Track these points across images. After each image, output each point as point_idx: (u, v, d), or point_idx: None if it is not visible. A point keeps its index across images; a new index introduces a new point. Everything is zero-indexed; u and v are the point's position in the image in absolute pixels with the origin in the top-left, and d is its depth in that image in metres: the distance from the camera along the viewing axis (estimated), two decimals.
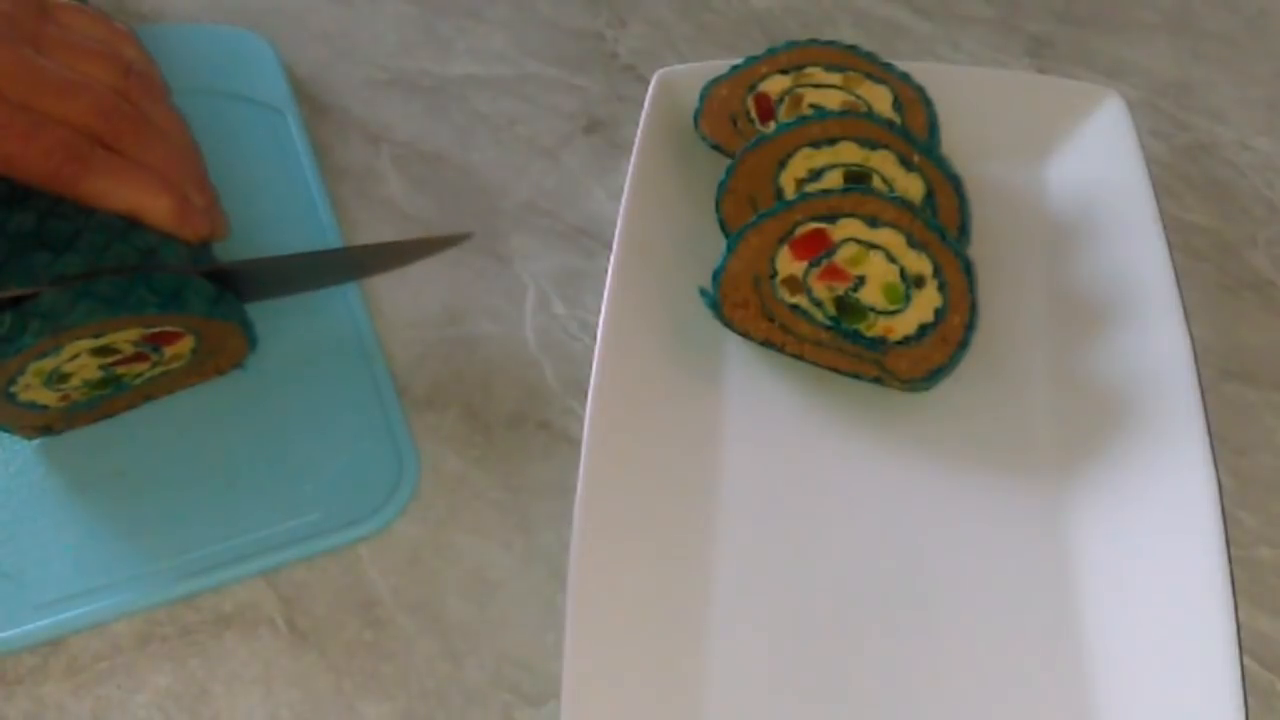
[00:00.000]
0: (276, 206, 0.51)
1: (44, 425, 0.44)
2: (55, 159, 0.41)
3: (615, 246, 0.46)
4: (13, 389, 0.41)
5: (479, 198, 0.53)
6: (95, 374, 0.42)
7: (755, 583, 0.42)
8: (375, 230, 0.52)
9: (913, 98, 0.50)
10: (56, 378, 0.42)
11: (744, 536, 0.43)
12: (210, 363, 0.45)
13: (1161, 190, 0.50)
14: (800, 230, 0.45)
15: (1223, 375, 0.48)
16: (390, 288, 0.50)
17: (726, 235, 0.47)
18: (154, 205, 0.42)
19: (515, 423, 0.47)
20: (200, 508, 0.43)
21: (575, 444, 0.44)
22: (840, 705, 0.39)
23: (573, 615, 0.38)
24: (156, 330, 0.42)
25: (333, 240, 0.50)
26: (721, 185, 0.48)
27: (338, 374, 0.47)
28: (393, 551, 0.43)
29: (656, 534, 0.42)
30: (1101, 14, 0.61)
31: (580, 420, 0.44)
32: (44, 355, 0.40)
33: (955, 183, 0.47)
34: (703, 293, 0.46)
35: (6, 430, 0.44)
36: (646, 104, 0.51)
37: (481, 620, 0.42)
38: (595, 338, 0.44)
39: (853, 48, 0.50)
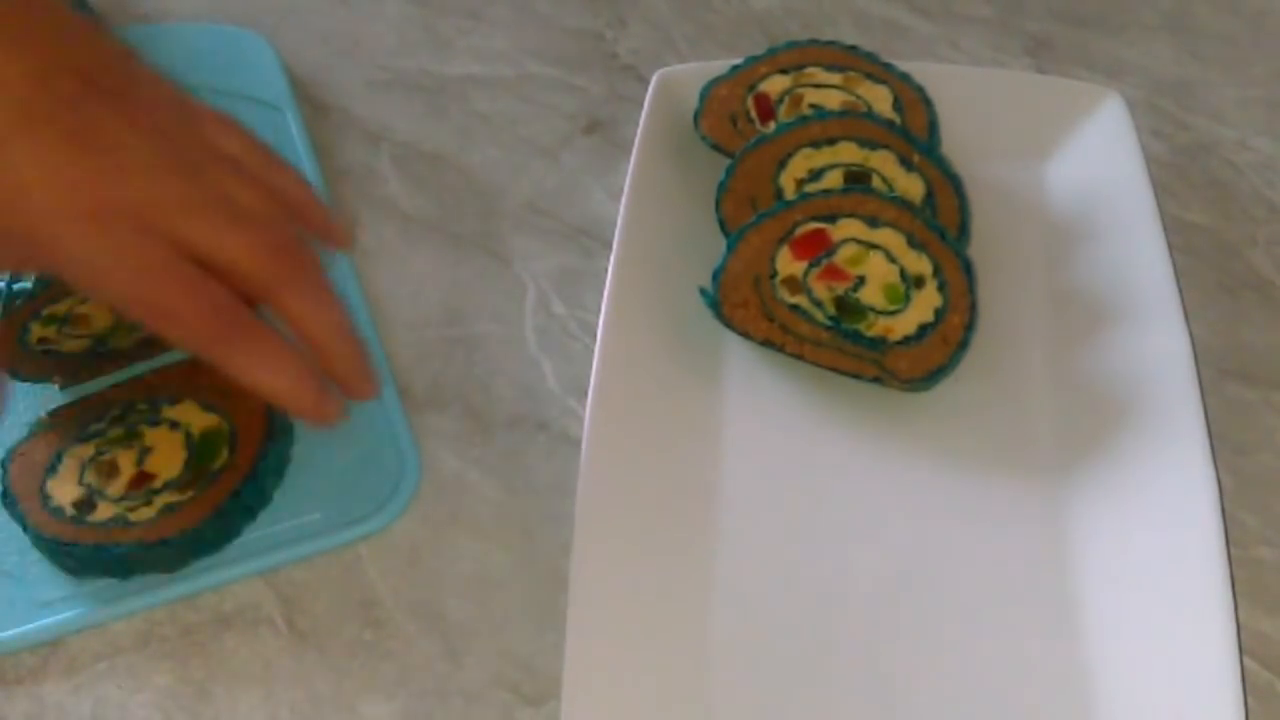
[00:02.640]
0: None
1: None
2: (216, 322, 0.34)
3: (615, 246, 0.46)
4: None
5: (479, 198, 0.53)
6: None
7: (755, 582, 0.42)
8: (375, 230, 0.52)
9: (913, 98, 0.50)
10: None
11: (744, 536, 0.43)
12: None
13: (1161, 190, 0.50)
14: (800, 230, 0.45)
15: (1223, 375, 0.48)
16: (390, 287, 0.50)
17: (726, 235, 0.47)
18: (292, 392, 0.36)
19: (515, 423, 0.47)
20: None
21: (575, 444, 0.44)
22: (840, 703, 0.39)
23: (573, 615, 0.38)
24: None
25: None
26: (721, 185, 0.48)
27: None
28: (393, 552, 0.43)
29: (656, 534, 0.42)
30: (1101, 14, 0.61)
31: (580, 420, 0.44)
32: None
33: (955, 183, 0.47)
34: (703, 293, 0.46)
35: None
36: (646, 104, 0.51)
37: (481, 620, 0.42)
38: (595, 338, 0.44)
39: (853, 48, 0.50)
